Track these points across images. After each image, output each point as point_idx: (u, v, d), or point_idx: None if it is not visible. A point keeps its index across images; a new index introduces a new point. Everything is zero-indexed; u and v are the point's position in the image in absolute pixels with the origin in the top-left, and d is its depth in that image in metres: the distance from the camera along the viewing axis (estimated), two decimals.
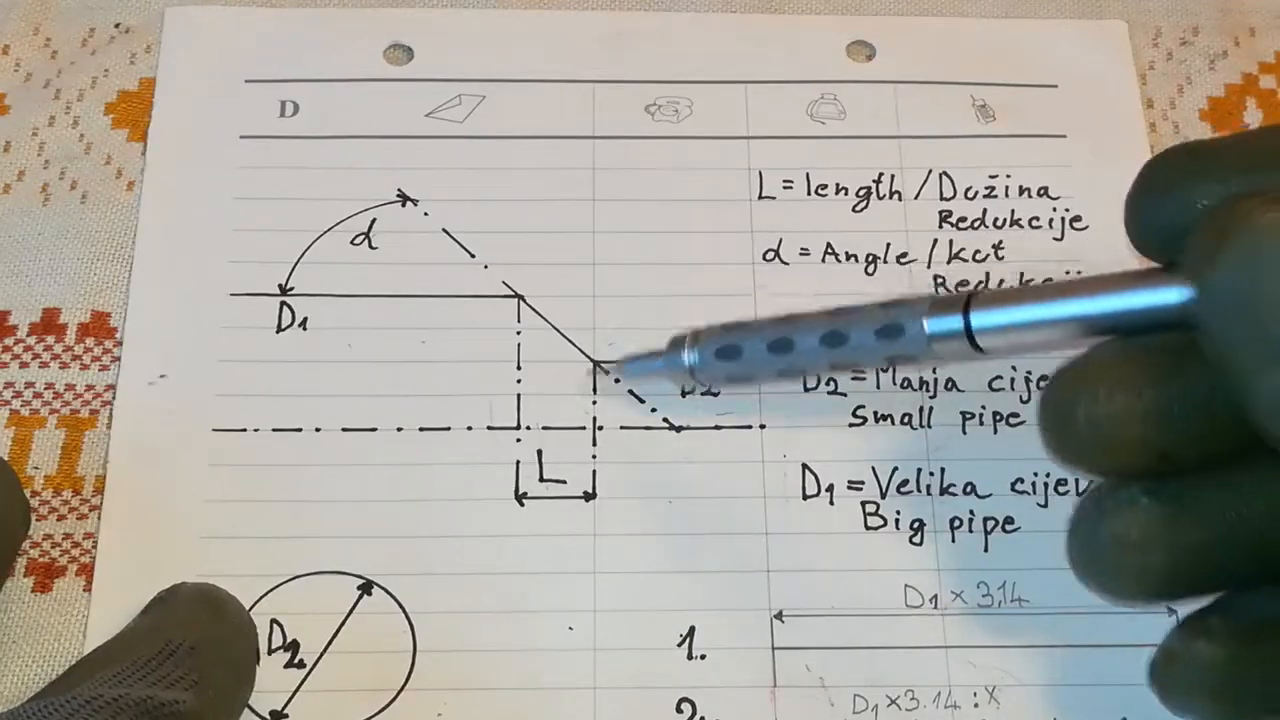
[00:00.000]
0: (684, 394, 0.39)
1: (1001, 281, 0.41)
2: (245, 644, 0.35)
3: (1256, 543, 0.31)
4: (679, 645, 0.37)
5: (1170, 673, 0.31)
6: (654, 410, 0.39)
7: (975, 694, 0.36)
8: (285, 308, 0.40)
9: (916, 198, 0.42)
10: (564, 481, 0.38)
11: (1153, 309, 0.31)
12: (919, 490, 0.39)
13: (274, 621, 0.36)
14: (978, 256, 0.42)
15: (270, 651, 0.36)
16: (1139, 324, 0.31)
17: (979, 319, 0.33)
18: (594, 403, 0.39)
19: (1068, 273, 0.41)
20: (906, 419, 0.40)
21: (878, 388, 0.40)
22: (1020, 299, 0.32)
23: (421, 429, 0.39)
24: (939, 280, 0.41)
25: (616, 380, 0.39)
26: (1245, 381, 0.28)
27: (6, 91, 0.44)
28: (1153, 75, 0.45)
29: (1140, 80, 0.45)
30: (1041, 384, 0.40)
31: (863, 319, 0.34)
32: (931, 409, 0.40)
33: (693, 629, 0.37)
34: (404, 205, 0.42)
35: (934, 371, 0.40)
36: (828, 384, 0.40)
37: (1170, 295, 0.30)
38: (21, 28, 0.44)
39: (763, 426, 0.39)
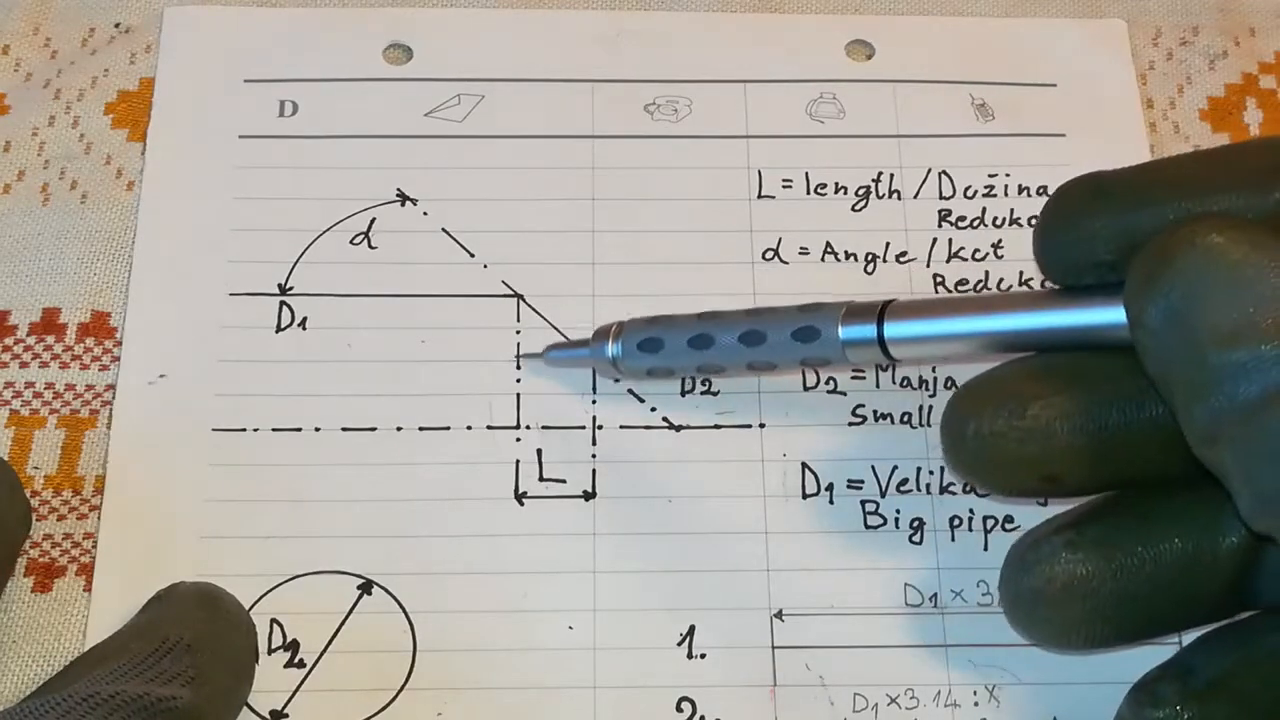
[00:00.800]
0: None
1: (1001, 281, 0.41)
2: (243, 641, 0.35)
3: (1181, 587, 0.31)
4: (679, 644, 0.37)
5: None
6: (654, 410, 0.39)
7: (975, 693, 0.36)
8: (285, 307, 0.40)
9: (916, 197, 0.42)
10: (564, 481, 0.38)
11: (1060, 329, 0.32)
12: (918, 489, 0.39)
13: (274, 621, 0.36)
14: (977, 255, 0.42)
15: (270, 651, 0.36)
16: (1047, 344, 0.32)
17: (892, 329, 0.34)
18: (594, 402, 0.39)
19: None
20: (906, 418, 0.40)
21: (877, 386, 0.40)
22: (933, 311, 0.34)
23: (421, 428, 0.39)
24: (938, 279, 0.41)
25: (540, 356, 0.40)
26: (1179, 405, 0.28)
27: (6, 91, 0.44)
28: (1153, 75, 0.45)
29: (1140, 80, 0.45)
30: None
31: (781, 320, 0.35)
32: (931, 408, 0.40)
33: (692, 628, 0.37)
34: (403, 205, 0.42)
35: (933, 370, 0.40)
36: (827, 383, 0.40)
37: (1077, 317, 0.32)
38: (21, 27, 0.44)
39: (762, 425, 0.39)
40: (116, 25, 0.45)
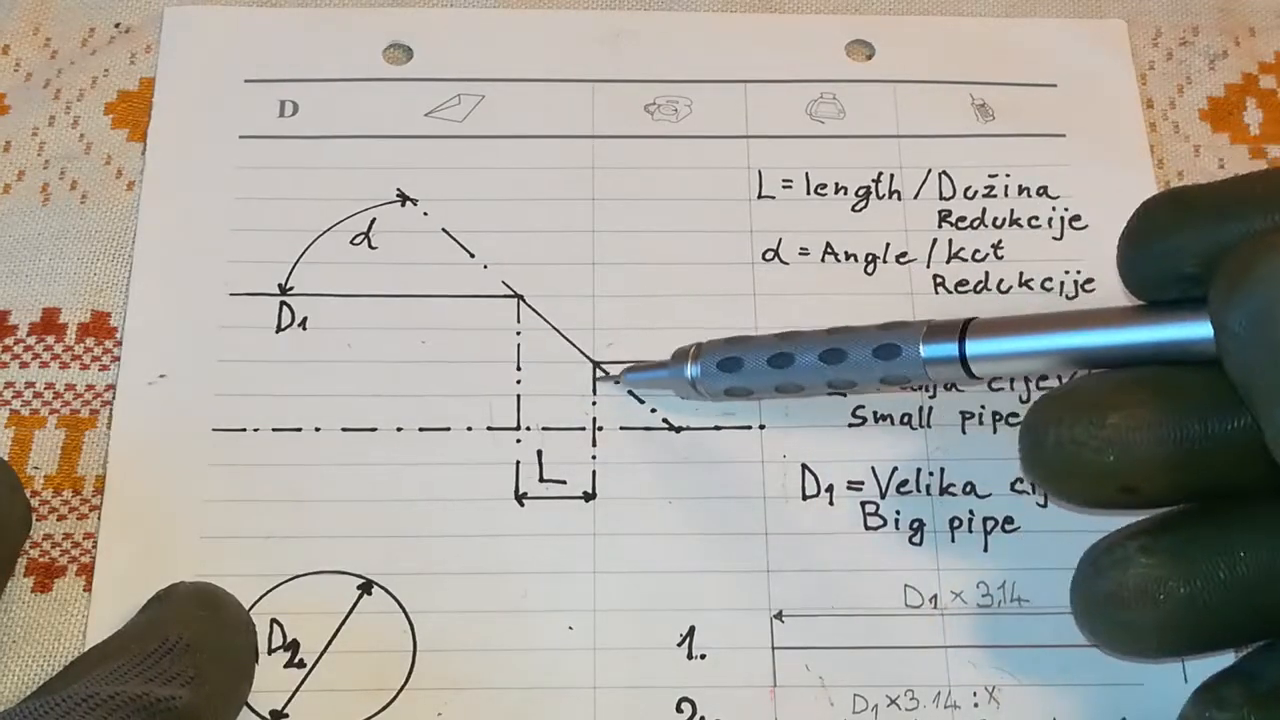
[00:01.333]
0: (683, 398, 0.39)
1: (1001, 282, 0.41)
2: (243, 641, 0.35)
3: (1255, 598, 0.31)
4: (679, 645, 0.37)
5: None
6: (654, 411, 0.39)
7: (975, 694, 0.36)
8: (285, 307, 0.40)
9: (916, 197, 0.42)
10: (564, 482, 0.38)
11: (1143, 345, 0.32)
12: (918, 490, 0.39)
13: (274, 621, 0.36)
14: (977, 256, 0.42)
15: (270, 651, 0.36)
16: (1130, 359, 0.32)
17: (973, 347, 0.34)
18: (594, 403, 0.39)
19: (1067, 279, 0.41)
20: (906, 419, 0.40)
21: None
22: (1015, 329, 0.34)
23: (421, 429, 0.39)
24: (938, 280, 0.41)
25: (616, 381, 0.39)
26: (1262, 410, 0.28)
27: (6, 91, 0.44)
28: (1153, 75, 0.45)
29: (1140, 80, 0.45)
30: (1042, 385, 0.40)
31: (861, 339, 0.36)
32: (931, 409, 0.40)
33: (693, 629, 0.37)
34: (403, 205, 0.42)
35: None
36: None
37: (1160, 333, 0.32)
38: (21, 27, 0.44)
39: (762, 427, 0.39)
40: (116, 25, 0.44)
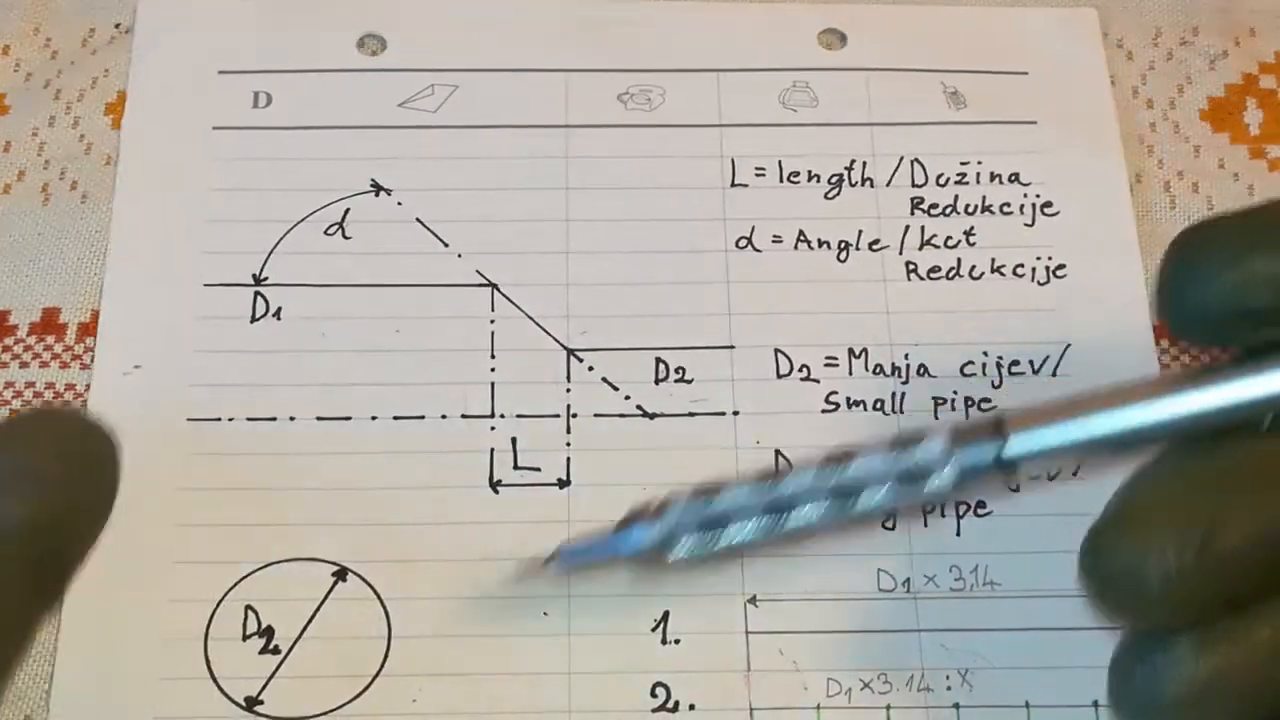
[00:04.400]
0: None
1: (973, 268, 0.41)
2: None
3: None
4: (653, 630, 0.37)
5: None
6: (628, 398, 0.40)
7: (948, 677, 0.37)
8: (259, 298, 0.40)
9: (888, 185, 0.43)
10: (538, 469, 0.39)
11: (1220, 413, 0.28)
12: None
13: (249, 608, 0.36)
14: (949, 242, 0.42)
15: (245, 637, 0.36)
16: (1203, 432, 0.29)
17: (1016, 444, 0.30)
18: (568, 390, 0.40)
19: (1039, 265, 0.41)
20: (879, 405, 0.40)
21: (850, 374, 0.40)
22: (1056, 415, 0.30)
23: (396, 417, 0.39)
24: (911, 267, 0.41)
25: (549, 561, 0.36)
26: None
27: (6, 91, 0.44)
28: (1153, 75, 0.45)
29: (1140, 80, 0.45)
30: (1014, 369, 0.40)
31: (873, 463, 0.32)
32: (904, 395, 0.40)
33: (667, 614, 0.37)
34: (377, 195, 0.42)
35: (905, 357, 0.40)
36: (800, 370, 0.40)
37: (1245, 394, 0.28)
38: (22, 28, 0.45)
39: (736, 413, 0.39)
40: (117, 25, 0.44)
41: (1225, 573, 0.27)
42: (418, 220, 0.41)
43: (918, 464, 0.31)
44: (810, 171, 0.43)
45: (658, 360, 0.40)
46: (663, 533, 0.33)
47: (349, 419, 0.39)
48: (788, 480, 0.32)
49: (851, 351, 0.40)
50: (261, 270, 0.41)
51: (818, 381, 0.40)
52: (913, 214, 0.42)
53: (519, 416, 0.39)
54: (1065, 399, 0.30)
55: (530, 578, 0.37)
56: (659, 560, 0.34)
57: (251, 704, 0.35)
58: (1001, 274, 0.41)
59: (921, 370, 0.40)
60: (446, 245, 0.41)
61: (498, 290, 0.41)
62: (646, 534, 0.33)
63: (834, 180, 0.43)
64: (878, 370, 0.40)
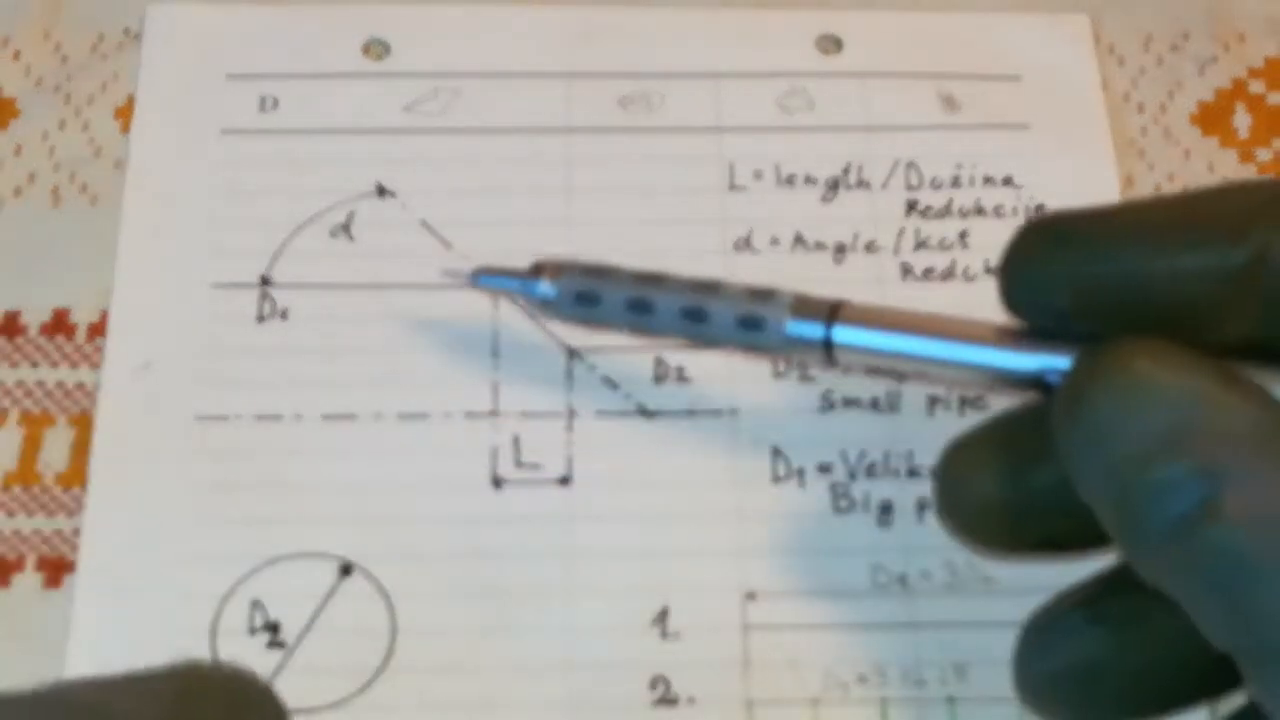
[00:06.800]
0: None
1: (967, 269, 0.42)
2: None
3: (1204, 659, 0.28)
4: (652, 625, 0.37)
5: None
6: (629, 396, 0.40)
7: (943, 671, 0.37)
8: (266, 298, 0.41)
9: (883, 188, 0.43)
10: (540, 466, 0.39)
11: (1015, 373, 0.30)
12: (887, 472, 0.39)
13: (255, 603, 0.37)
14: (944, 244, 0.42)
15: (252, 632, 0.37)
16: (1009, 384, 0.31)
17: (842, 334, 0.33)
18: (570, 389, 0.40)
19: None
20: (874, 403, 0.40)
21: (846, 373, 0.40)
22: (887, 323, 0.32)
23: (400, 416, 0.40)
24: (906, 268, 0.42)
25: (468, 279, 0.39)
26: (1114, 535, 0.27)
27: (17, 95, 0.44)
28: (1143, 80, 0.46)
29: (1130, 84, 0.45)
30: None
31: (728, 302, 0.35)
32: (900, 394, 0.40)
33: (666, 609, 0.38)
34: (382, 198, 0.42)
35: None
36: (797, 369, 0.40)
37: (1031, 363, 0.30)
38: (32, 33, 0.45)
39: (734, 412, 0.40)
40: (126, 31, 0.45)
41: (1039, 512, 0.30)
42: (422, 222, 0.42)
43: (759, 316, 0.34)
44: (807, 174, 0.43)
45: (657, 360, 0.40)
46: (552, 292, 0.37)
47: (354, 417, 0.39)
48: (657, 288, 0.36)
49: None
50: (269, 271, 0.41)
51: (814, 380, 0.40)
52: (908, 216, 0.43)
53: (521, 414, 0.40)
54: (905, 312, 0.32)
55: (451, 278, 0.39)
56: (543, 311, 0.38)
57: None
58: (995, 275, 0.42)
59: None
60: (450, 246, 0.42)
61: None
62: (541, 288, 0.37)
63: (830, 183, 0.43)
64: (874, 370, 0.41)
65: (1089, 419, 0.27)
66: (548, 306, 0.37)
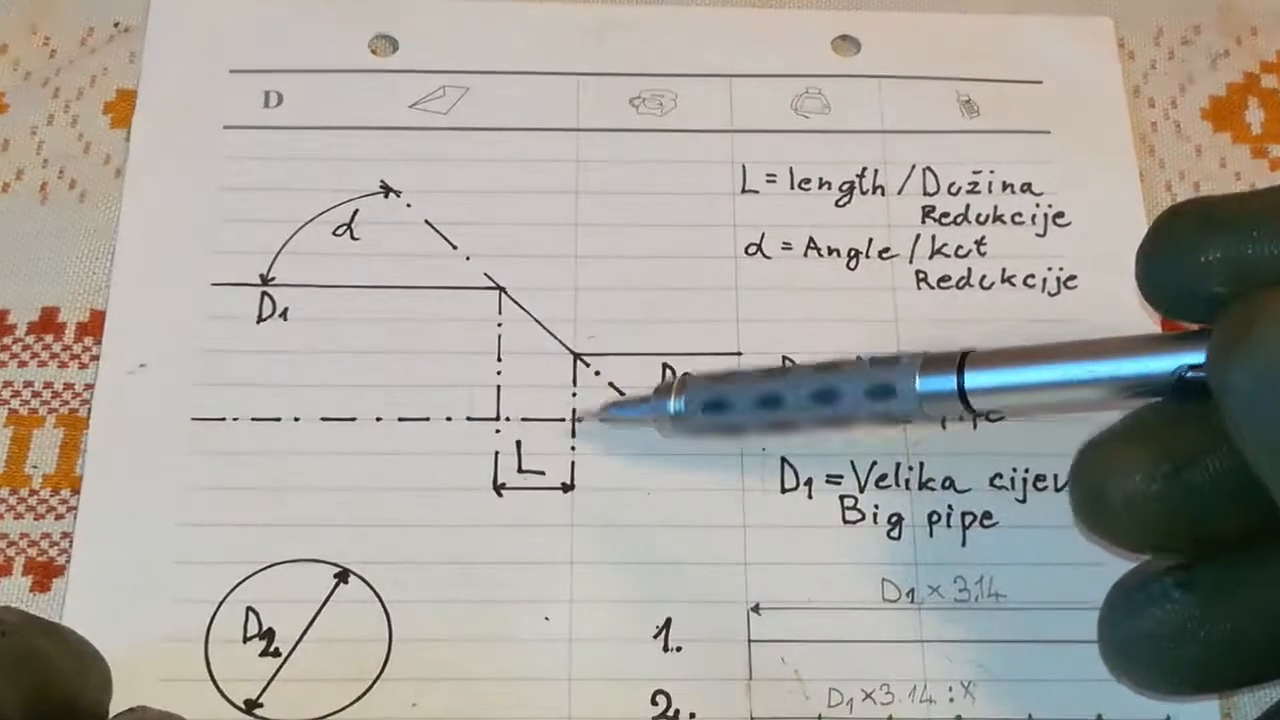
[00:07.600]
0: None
1: (984, 278, 0.41)
2: None
3: None
4: (655, 637, 0.37)
5: None
6: None
7: (951, 688, 0.36)
8: (266, 298, 0.40)
9: (900, 193, 0.42)
10: (542, 473, 0.38)
11: (1154, 377, 0.30)
12: (897, 484, 0.39)
13: (250, 609, 0.36)
14: (960, 252, 0.42)
15: (246, 640, 0.36)
16: (1146, 391, 0.31)
17: (973, 379, 0.33)
18: (574, 394, 0.39)
19: (1050, 276, 0.41)
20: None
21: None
22: (1017, 360, 0.33)
23: (401, 419, 0.39)
24: (921, 276, 0.41)
25: (599, 419, 0.39)
26: (1264, 471, 0.27)
27: (5, 90, 0.44)
28: (1154, 74, 0.45)
29: (1141, 79, 0.45)
30: None
31: (854, 376, 0.35)
32: None
33: (669, 620, 0.37)
34: (386, 197, 0.42)
35: None
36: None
37: (1167, 364, 0.30)
38: (20, 27, 0.45)
39: None
40: (115, 24, 0.45)
41: (1192, 508, 0.29)
42: (426, 222, 0.41)
43: (889, 383, 0.34)
44: (821, 178, 0.42)
45: (665, 366, 0.40)
46: (682, 406, 0.37)
47: (354, 420, 0.39)
48: (784, 380, 0.36)
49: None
50: (269, 270, 0.41)
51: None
52: (924, 222, 0.42)
53: (524, 420, 0.39)
54: (1028, 346, 0.33)
55: (585, 418, 0.39)
56: (674, 429, 0.37)
57: (251, 707, 0.35)
58: (1012, 284, 0.41)
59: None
60: (455, 248, 0.41)
61: (505, 293, 0.41)
62: (669, 405, 0.37)
63: (845, 187, 0.42)
64: None
65: (1261, 354, 0.26)
66: (679, 423, 0.37)
